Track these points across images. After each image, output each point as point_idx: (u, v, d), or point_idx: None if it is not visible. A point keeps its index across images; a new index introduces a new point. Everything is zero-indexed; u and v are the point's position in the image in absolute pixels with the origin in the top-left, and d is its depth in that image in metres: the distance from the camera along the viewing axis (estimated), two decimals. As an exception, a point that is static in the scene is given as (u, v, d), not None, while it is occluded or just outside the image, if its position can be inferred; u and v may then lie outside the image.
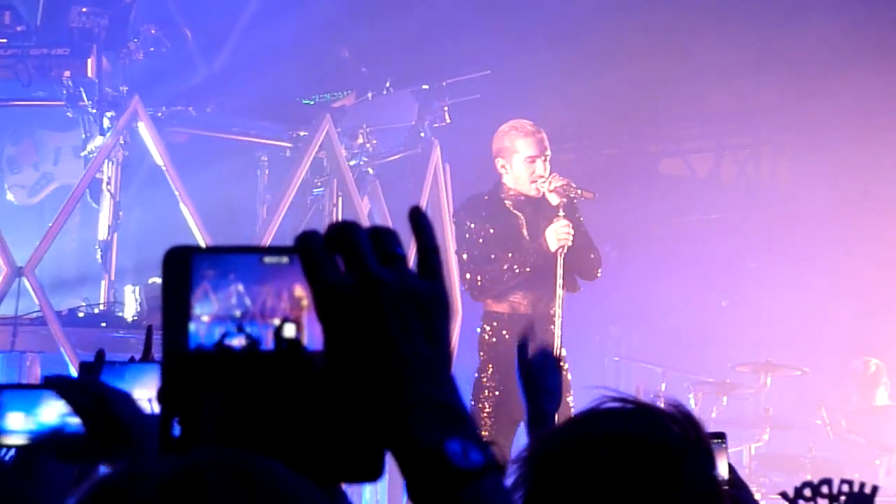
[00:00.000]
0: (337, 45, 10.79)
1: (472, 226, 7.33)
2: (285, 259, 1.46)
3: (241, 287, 1.46)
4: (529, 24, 11.24)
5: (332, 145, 8.68)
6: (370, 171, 9.09)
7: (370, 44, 10.73)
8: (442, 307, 1.44)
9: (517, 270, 7.24)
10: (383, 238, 1.44)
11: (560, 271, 7.21)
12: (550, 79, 11.12)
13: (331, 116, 8.68)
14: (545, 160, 7.52)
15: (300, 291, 1.45)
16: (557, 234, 7.25)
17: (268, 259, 1.47)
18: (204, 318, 1.45)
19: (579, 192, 7.40)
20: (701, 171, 12.84)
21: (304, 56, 11.22)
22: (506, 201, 7.49)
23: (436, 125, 9.12)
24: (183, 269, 1.46)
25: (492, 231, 7.31)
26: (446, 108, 9.08)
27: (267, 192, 8.98)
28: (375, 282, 1.40)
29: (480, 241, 7.28)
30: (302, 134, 8.80)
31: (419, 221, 1.45)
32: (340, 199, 8.84)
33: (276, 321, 1.45)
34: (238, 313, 1.46)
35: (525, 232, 7.41)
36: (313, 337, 1.45)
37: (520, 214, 7.44)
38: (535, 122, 7.73)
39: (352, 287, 1.40)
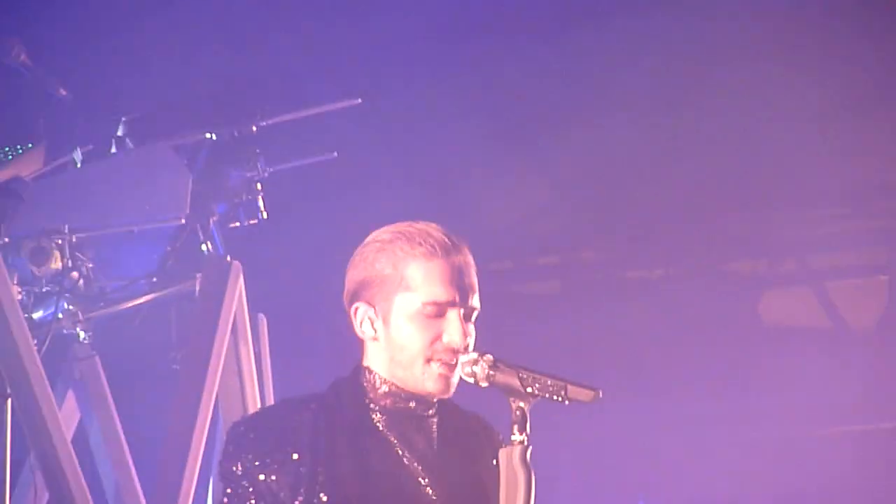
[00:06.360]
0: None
1: (262, 483, 2.82)
2: None
3: None
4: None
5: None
6: (82, 336, 3.85)
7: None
8: None
9: None
10: None
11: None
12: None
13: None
14: (468, 313, 3.08)
15: None
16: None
17: None
18: None
19: (564, 391, 3.00)
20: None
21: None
22: (373, 415, 3.02)
23: (234, 225, 3.97)
24: None
25: (324, 499, 2.84)
26: (259, 186, 3.96)
27: None
28: None
29: None
30: None
31: None
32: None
33: None
34: None
35: (425, 482, 3.04)
36: None
37: (396, 442, 3.07)
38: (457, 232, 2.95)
39: None
